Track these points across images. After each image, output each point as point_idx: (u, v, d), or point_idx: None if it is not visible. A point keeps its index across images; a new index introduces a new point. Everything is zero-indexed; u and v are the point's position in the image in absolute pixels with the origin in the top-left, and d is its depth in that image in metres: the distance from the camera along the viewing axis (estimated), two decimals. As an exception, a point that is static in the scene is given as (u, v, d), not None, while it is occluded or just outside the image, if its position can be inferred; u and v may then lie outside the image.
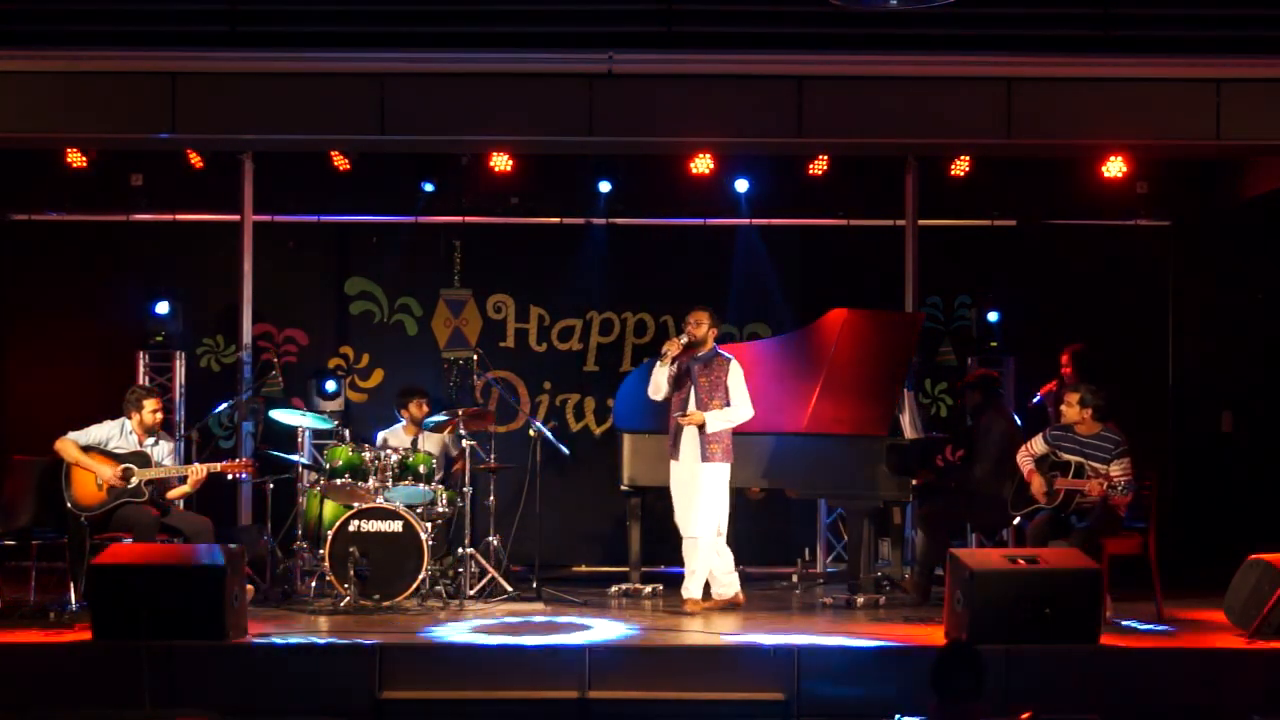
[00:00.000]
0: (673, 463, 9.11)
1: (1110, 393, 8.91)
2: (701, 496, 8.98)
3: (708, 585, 9.15)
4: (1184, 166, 11.37)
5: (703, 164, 10.89)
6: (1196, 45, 9.16)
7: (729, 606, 9.11)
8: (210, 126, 9.53)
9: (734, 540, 9.19)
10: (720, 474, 9.02)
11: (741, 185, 11.45)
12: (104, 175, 11.19)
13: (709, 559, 9.07)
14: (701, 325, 9.08)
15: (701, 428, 8.97)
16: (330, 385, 11.03)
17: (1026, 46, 9.21)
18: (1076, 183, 11.16)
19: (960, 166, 10.90)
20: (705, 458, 8.98)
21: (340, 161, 10.96)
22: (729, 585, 9.18)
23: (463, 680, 7.52)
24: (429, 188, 11.29)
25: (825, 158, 10.98)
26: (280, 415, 10.00)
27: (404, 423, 10.14)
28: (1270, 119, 9.29)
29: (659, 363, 9.10)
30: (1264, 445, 11.18)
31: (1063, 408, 8.93)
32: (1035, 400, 10.35)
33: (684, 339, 9.09)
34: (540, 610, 9.03)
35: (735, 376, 9.05)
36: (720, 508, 9.06)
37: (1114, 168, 10.69)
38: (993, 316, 11.13)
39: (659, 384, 9.11)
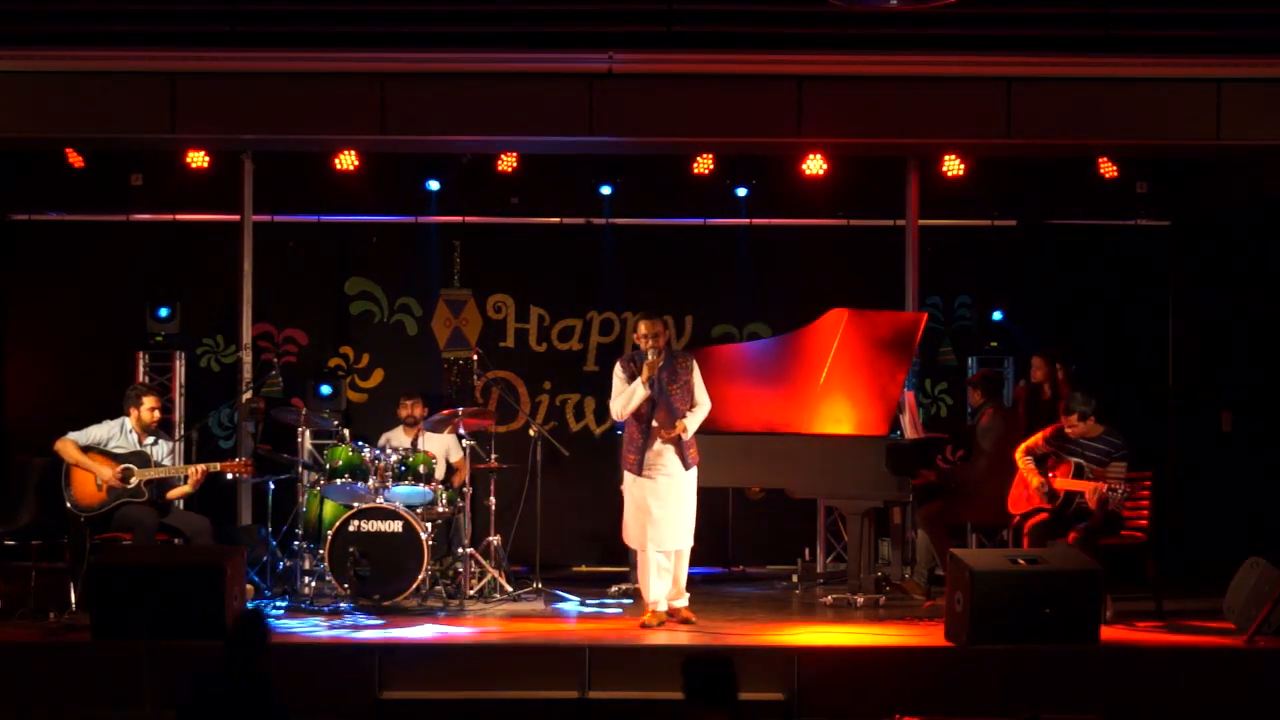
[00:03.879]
0: (648, 480, 8.40)
1: (1110, 393, 8.89)
2: (689, 505, 8.53)
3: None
4: (1184, 166, 11.37)
5: (703, 164, 10.89)
6: (1196, 45, 9.14)
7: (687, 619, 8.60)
8: (210, 126, 9.51)
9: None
10: (695, 478, 8.62)
11: (741, 186, 11.45)
12: (104, 175, 11.18)
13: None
14: (661, 335, 8.43)
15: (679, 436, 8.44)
16: (325, 389, 11.02)
17: (1026, 46, 9.19)
18: (1076, 183, 11.16)
19: (960, 166, 10.90)
20: (689, 465, 8.49)
21: (350, 162, 10.67)
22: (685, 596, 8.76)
23: (463, 680, 7.52)
24: (434, 185, 11.26)
25: (825, 158, 10.98)
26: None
27: (403, 424, 10.16)
28: (1270, 119, 9.28)
29: (638, 383, 8.32)
30: (1264, 445, 11.17)
31: (1066, 427, 8.78)
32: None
33: (653, 356, 8.33)
34: (540, 610, 9.03)
35: (697, 374, 8.57)
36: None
37: (1113, 168, 10.68)
38: (996, 315, 11.13)
39: (632, 405, 8.38)
